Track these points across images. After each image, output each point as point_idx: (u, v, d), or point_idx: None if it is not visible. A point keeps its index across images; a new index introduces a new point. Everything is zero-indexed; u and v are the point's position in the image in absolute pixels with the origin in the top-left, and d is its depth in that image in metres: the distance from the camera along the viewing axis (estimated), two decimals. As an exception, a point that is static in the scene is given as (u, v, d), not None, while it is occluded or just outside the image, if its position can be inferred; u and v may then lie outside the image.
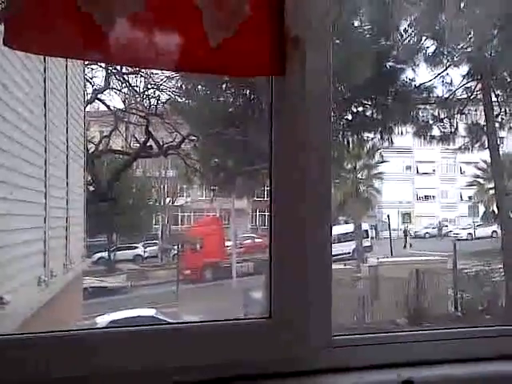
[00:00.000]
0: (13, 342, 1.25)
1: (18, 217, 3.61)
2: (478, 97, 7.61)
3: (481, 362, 1.41)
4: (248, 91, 7.01)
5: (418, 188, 9.94)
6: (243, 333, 1.34)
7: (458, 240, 8.76)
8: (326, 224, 1.40)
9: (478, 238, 9.30)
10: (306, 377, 1.32)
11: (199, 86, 7.26)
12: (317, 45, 1.35)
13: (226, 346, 1.32)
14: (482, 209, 9.40)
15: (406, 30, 7.09)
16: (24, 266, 3.85)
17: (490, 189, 8.69)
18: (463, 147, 7.96)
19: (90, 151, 7.44)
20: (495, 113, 7.66)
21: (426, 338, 1.44)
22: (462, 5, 5.95)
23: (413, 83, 7.37)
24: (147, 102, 7.81)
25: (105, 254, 8.13)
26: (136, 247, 8.61)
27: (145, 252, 8.66)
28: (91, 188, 7.55)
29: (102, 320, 6.29)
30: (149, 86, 7.65)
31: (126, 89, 7.69)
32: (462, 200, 9.74)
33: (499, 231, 8.28)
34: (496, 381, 1.40)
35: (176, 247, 8.68)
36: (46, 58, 3.99)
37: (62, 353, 1.24)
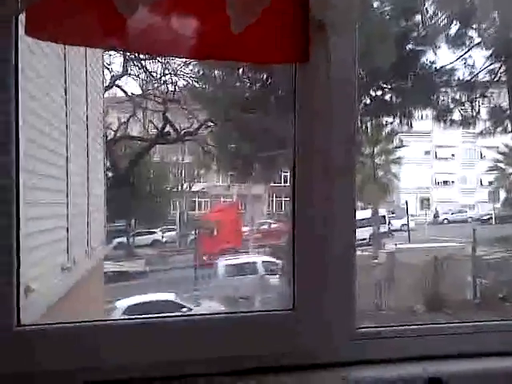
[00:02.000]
0: (38, 331, 1.26)
1: (43, 205, 3.64)
2: (502, 79, 7.44)
3: (508, 356, 1.39)
4: (265, 76, 6.96)
5: (437, 173, 9.83)
6: (267, 325, 1.33)
7: (478, 226, 8.66)
8: (350, 213, 1.38)
9: (498, 224, 9.18)
10: (330, 369, 1.31)
11: (216, 72, 7.22)
12: (342, 30, 1.32)
13: (249, 338, 1.31)
14: (502, 194, 9.28)
15: (427, 11, 6.95)
16: (48, 254, 3.89)
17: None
18: (485, 131, 7.82)
19: (109, 138, 7.47)
20: (519, 95, 7.50)
21: (453, 331, 1.42)
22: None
23: (433, 66, 7.23)
24: (165, 87, 7.80)
25: (124, 240, 8.19)
26: (154, 232, 8.66)
27: (163, 237, 8.71)
28: (110, 174, 7.59)
29: (122, 304, 6.36)
30: (166, 72, 7.64)
31: (144, 75, 7.69)
32: (482, 185, 9.61)
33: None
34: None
35: (194, 232, 8.71)
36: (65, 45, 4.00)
37: (82, 343, 1.25)
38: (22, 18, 1.19)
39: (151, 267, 8.06)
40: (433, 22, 6.98)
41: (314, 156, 1.33)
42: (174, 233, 8.78)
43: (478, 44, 7.14)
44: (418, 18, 7.01)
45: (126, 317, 5.63)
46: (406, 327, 1.43)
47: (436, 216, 9.56)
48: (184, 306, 6.41)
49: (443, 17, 6.96)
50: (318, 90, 1.32)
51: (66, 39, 1.30)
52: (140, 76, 7.68)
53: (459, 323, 1.46)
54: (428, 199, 9.72)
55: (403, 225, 9.15)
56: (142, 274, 7.86)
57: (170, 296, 6.80)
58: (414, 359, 1.34)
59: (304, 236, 1.34)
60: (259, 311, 1.41)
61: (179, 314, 5.44)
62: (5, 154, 1.21)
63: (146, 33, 1.25)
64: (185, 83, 7.65)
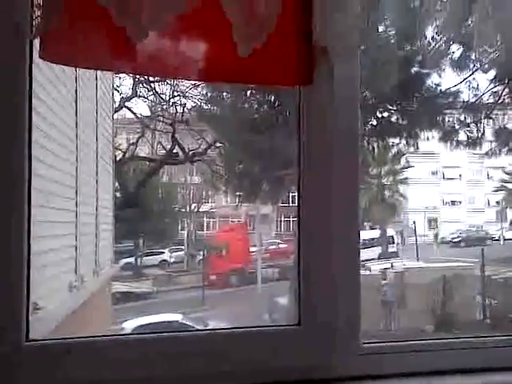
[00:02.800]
0: (47, 346, 1.28)
1: (52, 224, 3.68)
2: (506, 101, 7.50)
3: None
4: (273, 98, 7.03)
5: (444, 193, 9.82)
6: (272, 340, 1.35)
7: (486, 246, 8.62)
8: (355, 230, 1.41)
9: (507, 243, 9.13)
10: (335, 384, 1.32)
11: (224, 93, 7.30)
12: (344, 55, 1.36)
13: (254, 353, 1.33)
14: (510, 214, 9.24)
15: (431, 35, 7.03)
16: (56, 272, 3.92)
17: (519, 193, 8.54)
18: (490, 152, 7.84)
19: (118, 158, 7.53)
20: (524, 117, 7.54)
21: (456, 346, 1.43)
22: (490, 9, 5.88)
23: (438, 88, 7.29)
24: (173, 109, 7.88)
25: (131, 260, 8.20)
26: (162, 253, 8.66)
27: (171, 257, 8.71)
28: (118, 194, 7.64)
29: (130, 325, 6.35)
30: (175, 94, 7.73)
31: (153, 96, 7.78)
32: (489, 205, 9.59)
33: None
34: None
35: (202, 253, 8.71)
36: (77, 68, 4.08)
37: (91, 357, 1.27)
38: (36, 43, 1.24)
39: (159, 288, 8.06)
40: (436, 46, 7.06)
41: (318, 176, 1.37)
42: (182, 253, 8.78)
43: (482, 67, 7.21)
44: (422, 41, 7.08)
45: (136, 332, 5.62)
46: (412, 342, 1.44)
47: (436, 237, 9.50)
48: (191, 327, 6.39)
49: (447, 41, 7.03)
50: (321, 113, 1.36)
51: (77, 63, 1.35)
52: (149, 98, 7.79)
53: (464, 338, 1.47)
54: (436, 219, 9.70)
55: (411, 244, 9.12)
56: (149, 295, 7.85)
57: (177, 317, 6.79)
58: (420, 374, 1.35)
59: (309, 254, 1.37)
60: (265, 326, 1.44)
61: (187, 329, 5.44)
62: (17, 174, 1.25)
63: (154, 57, 1.29)
64: (193, 105, 7.74)
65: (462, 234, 9.64)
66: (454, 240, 9.59)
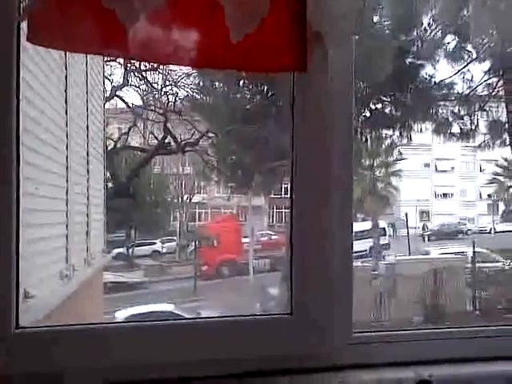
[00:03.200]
0: (37, 334, 1.27)
1: (42, 212, 3.66)
2: (500, 93, 7.51)
3: (500, 360, 1.40)
4: (266, 88, 7.00)
5: (436, 186, 9.85)
6: (264, 329, 1.35)
7: (477, 238, 8.67)
8: (348, 220, 1.40)
9: (498, 234, 9.19)
10: (327, 373, 1.32)
11: (217, 83, 7.27)
12: (339, 41, 1.34)
13: (246, 342, 1.33)
14: (501, 207, 9.30)
15: (427, 26, 7.02)
16: (47, 261, 3.90)
17: (511, 187, 8.58)
18: (483, 144, 7.87)
19: (109, 148, 7.49)
20: (517, 110, 7.56)
21: (446, 336, 1.44)
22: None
23: (432, 79, 7.29)
24: (165, 98, 7.84)
25: (123, 250, 8.19)
26: (154, 243, 8.66)
27: (163, 248, 8.71)
28: (110, 184, 7.61)
29: (121, 315, 6.35)
30: (167, 83, 7.68)
31: (145, 86, 7.73)
32: (481, 198, 9.63)
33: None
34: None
35: (193, 243, 8.71)
36: (67, 54, 4.04)
37: (80, 345, 1.27)
38: (23, 26, 1.21)
39: (151, 278, 8.06)
40: (431, 37, 7.05)
41: (312, 167, 1.35)
42: (173, 243, 8.78)
43: (476, 58, 7.21)
44: (417, 31, 7.07)
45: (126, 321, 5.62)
46: (401, 332, 1.44)
47: (424, 229, 9.54)
48: (183, 318, 6.39)
49: (442, 32, 7.02)
50: (315, 101, 1.34)
51: (66, 46, 1.33)
52: (141, 87, 7.73)
53: (453, 328, 1.47)
54: (428, 212, 9.73)
55: (403, 236, 9.16)
56: (141, 285, 7.85)
57: (169, 307, 6.80)
58: (409, 364, 1.36)
59: (302, 245, 1.36)
60: (257, 315, 1.43)
61: (178, 318, 5.44)
62: (5, 162, 1.23)
63: (146, 42, 1.27)
64: (185, 94, 7.69)
65: (453, 226, 9.69)
66: (446, 232, 9.64)
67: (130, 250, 8.32)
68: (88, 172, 5.47)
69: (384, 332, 1.43)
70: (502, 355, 1.40)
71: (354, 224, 1.42)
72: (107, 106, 7.31)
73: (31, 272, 2.89)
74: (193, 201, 8.86)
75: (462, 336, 1.43)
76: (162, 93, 7.79)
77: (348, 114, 1.38)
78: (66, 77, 4.32)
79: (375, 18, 6.96)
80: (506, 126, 7.55)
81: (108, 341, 1.29)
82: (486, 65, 7.36)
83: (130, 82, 7.58)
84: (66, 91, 4.38)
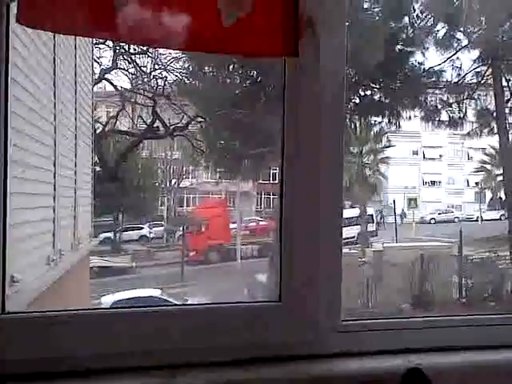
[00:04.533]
0: (23, 319, 1.26)
1: (29, 196, 3.63)
2: (489, 82, 7.53)
3: (489, 349, 1.41)
4: (255, 73, 6.97)
5: (424, 173, 9.89)
6: (252, 316, 1.34)
7: (464, 226, 8.74)
8: (337, 208, 1.39)
9: (485, 223, 9.27)
10: (315, 360, 1.32)
11: (206, 68, 7.22)
12: (331, 27, 1.33)
13: (235, 329, 1.32)
14: (488, 195, 9.37)
15: (417, 13, 7.00)
16: (34, 245, 3.88)
17: (498, 175, 8.64)
18: (472, 133, 7.91)
19: (97, 131, 7.43)
20: (505, 98, 7.59)
21: (435, 324, 1.44)
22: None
23: (422, 67, 7.29)
24: (154, 82, 7.77)
25: (111, 235, 8.16)
26: (142, 228, 8.64)
27: (150, 233, 8.69)
28: (98, 168, 7.55)
29: (107, 300, 6.34)
30: (156, 67, 7.61)
31: (134, 69, 7.65)
32: (468, 186, 9.69)
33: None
34: (502, 368, 1.40)
35: (181, 228, 8.70)
36: (56, 36, 3.99)
37: (68, 331, 1.26)
38: (12, 8, 1.19)
39: (138, 263, 8.04)
40: (421, 24, 7.04)
41: (302, 153, 1.34)
42: (161, 228, 8.76)
43: (466, 46, 7.22)
44: (407, 19, 7.06)
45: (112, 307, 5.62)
46: (390, 320, 1.45)
47: (403, 216, 9.59)
48: (170, 303, 6.40)
49: (431, 19, 7.02)
50: (306, 87, 1.33)
51: (55, 28, 1.31)
52: (130, 70, 7.65)
53: (441, 317, 1.48)
54: (415, 199, 9.78)
55: (390, 223, 9.21)
56: (128, 270, 7.84)
57: (155, 292, 6.80)
58: (398, 352, 1.36)
59: (291, 231, 1.36)
60: (246, 302, 1.43)
61: (168, 304, 5.44)
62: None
63: (136, 24, 1.25)
64: (175, 78, 7.63)
65: (440, 213, 9.75)
66: (433, 220, 9.70)
67: (118, 235, 8.29)
68: (76, 156, 5.43)
69: (372, 320, 1.44)
70: (491, 344, 1.41)
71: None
72: (96, 89, 7.25)
73: (17, 257, 2.87)
74: (181, 186, 8.84)
75: (451, 324, 1.44)
76: (151, 76, 7.73)
77: (339, 100, 1.37)
78: (54, 59, 4.27)
79: (365, 5, 6.93)
80: (495, 114, 7.60)
81: (95, 327, 1.28)
82: (475, 53, 7.37)
83: (118, 65, 7.50)
84: (54, 73, 4.33)
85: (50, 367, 1.22)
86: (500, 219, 8.88)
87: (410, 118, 7.51)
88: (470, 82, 7.52)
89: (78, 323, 1.28)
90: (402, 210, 9.43)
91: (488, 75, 7.50)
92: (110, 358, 1.25)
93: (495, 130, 7.73)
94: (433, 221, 9.71)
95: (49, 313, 1.30)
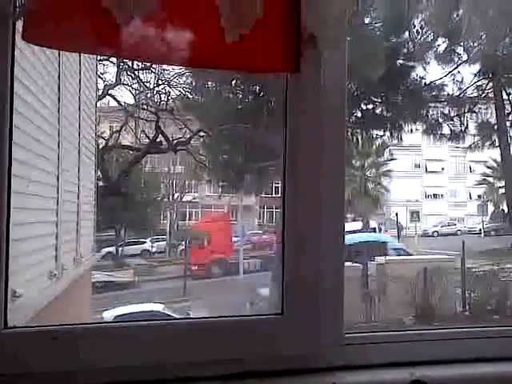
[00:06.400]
0: (25, 334, 1.26)
1: (32, 211, 3.64)
2: (489, 95, 7.57)
3: (491, 362, 1.41)
4: (257, 88, 7.01)
5: (426, 186, 9.90)
6: (255, 329, 1.34)
7: (467, 239, 8.71)
8: (339, 221, 1.40)
9: (487, 236, 9.25)
10: (318, 374, 1.32)
11: (209, 83, 7.26)
12: (332, 43, 1.34)
13: (237, 342, 1.32)
14: (491, 208, 9.36)
15: (417, 28, 7.06)
16: (36, 260, 3.88)
17: (500, 187, 8.65)
18: (473, 146, 7.94)
19: (101, 146, 7.46)
20: (506, 111, 7.62)
21: (439, 337, 1.44)
22: (476, 3, 5.92)
23: (423, 81, 7.34)
24: (157, 97, 7.82)
25: (113, 249, 8.16)
26: (144, 242, 8.63)
27: (152, 247, 8.68)
28: (101, 183, 7.57)
29: (109, 315, 6.32)
30: (159, 82, 7.67)
31: (137, 84, 7.71)
32: (470, 199, 9.69)
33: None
34: (506, 381, 1.40)
35: (183, 243, 8.69)
36: (61, 53, 4.02)
37: (70, 345, 1.25)
38: (18, 25, 1.21)
39: (140, 277, 8.03)
40: (422, 39, 7.09)
41: (304, 167, 1.35)
42: (163, 243, 8.76)
43: (466, 61, 7.27)
44: (409, 34, 7.11)
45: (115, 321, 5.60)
46: (393, 333, 1.44)
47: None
48: (173, 318, 6.37)
49: (432, 34, 7.07)
50: (308, 102, 1.34)
51: (60, 45, 1.32)
52: (133, 86, 7.71)
53: (444, 329, 1.48)
54: (418, 212, 9.78)
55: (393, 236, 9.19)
56: (130, 284, 7.82)
57: (158, 307, 6.77)
58: (401, 364, 1.36)
59: (293, 245, 1.36)
60: (248, 316, 1.42)
61: (169, 318, 5.42)
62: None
63: (140, 41, 1.27)
64: (178, 93, 7.68)
65: (443, 226, 9.72)
66: (436, 233, 9.68)
67: (120, 249, 8.28)
68: (79, 170, 5.45)
69: (376, 333, 1.43)
70: (495, 356, 1.41)
71: (345, 224, 1.43)
72: (99, 104, 7.30)
73: (20, 271, 2.87)
74: (184, 200, 8.85)
75: (455, 337, 1.44)
76: (155, 92, 7.78)
77: (341, 115, 1.38)
78: (59, 75, 4.31)
79: (367, 20, 6.99)
80: (496, 127, 7.62)
81: (98, 341, 1.27)
82: (476, 67, 7.42)
83: (122, 80, 7.56)
84: (58, 89, 4.37)
85: (53, 382, 1.22)
86: (502, 231, 8.87)
87: (411, 131, 7.54)
88: (470, 95, 7.56)
89: (81, 337, 1.28)
90: (400, 223, 9.41)
91: (489, 89, 7.55)
92: (114, 372, 1.25)
93: (496, 143, 7.75)
94: (436, 234, 9.70)
95: (51, 327, 1.30)
